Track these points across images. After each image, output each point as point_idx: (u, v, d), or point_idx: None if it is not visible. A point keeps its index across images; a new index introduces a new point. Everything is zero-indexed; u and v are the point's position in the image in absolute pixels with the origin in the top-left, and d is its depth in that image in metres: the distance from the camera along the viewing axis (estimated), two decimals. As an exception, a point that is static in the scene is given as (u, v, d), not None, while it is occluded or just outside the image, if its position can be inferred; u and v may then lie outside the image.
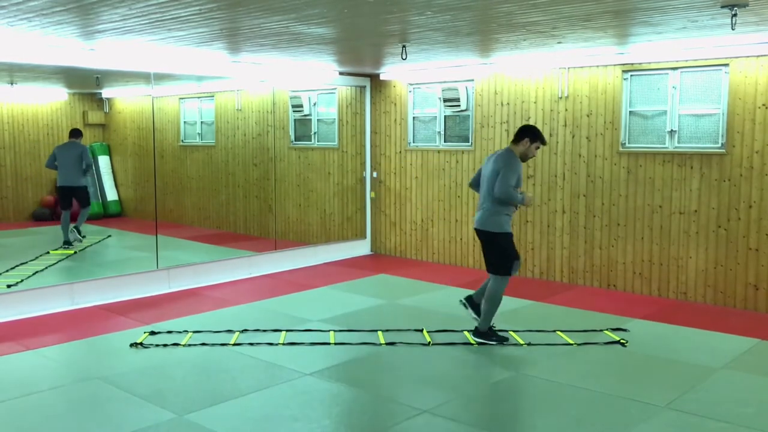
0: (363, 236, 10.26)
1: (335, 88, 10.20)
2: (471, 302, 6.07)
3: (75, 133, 9.74)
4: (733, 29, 5.35)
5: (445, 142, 9.30)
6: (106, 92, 12.80)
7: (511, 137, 8.43)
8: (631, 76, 7.58)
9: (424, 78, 9.27)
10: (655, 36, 6.15)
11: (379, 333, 6.13)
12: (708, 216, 7.16)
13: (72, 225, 9.83)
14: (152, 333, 6.12)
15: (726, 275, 7.10)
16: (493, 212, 5.73)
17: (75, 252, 9.55)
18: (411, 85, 9.56)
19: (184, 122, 12.28)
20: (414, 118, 9.62)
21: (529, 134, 5.76)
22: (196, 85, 11.41)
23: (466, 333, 6.12)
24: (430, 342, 5.87)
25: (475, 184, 6.06)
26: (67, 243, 9.71)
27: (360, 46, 7.10)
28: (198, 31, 5.89)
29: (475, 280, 8.36)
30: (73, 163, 9.45)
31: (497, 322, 6.08)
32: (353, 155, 10.24)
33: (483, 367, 5.32)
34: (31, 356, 5.57)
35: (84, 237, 10.13)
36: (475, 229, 5.90)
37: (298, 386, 4.89)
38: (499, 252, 5.76)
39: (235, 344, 5.82)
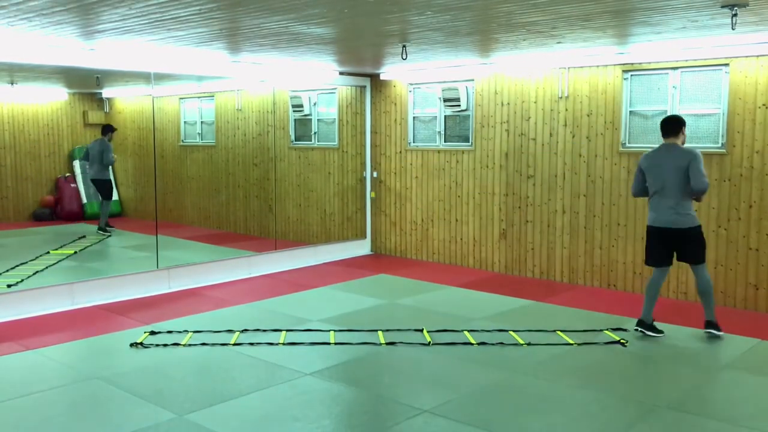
0: (363, 236, 10.26)
1: (335, 88, 10.20)
2: (644, 325, 6.07)
3: (102, 130, 10.85)
4: (733, 29, 5.35)
5: (445, 142, 9.30)
6: (106, 92, 12.80)
7: (511, 137, 8.50)
8: (631, 75, 7.58)
9: (424, 78, 9.27)
10: (654, 36, 6.15)
11: (380, 333, 6.13)
12: (708, 216, 7.16)
13: (97, 228, 10.97)
14: (152, 333, 6.13)
15: (726, 275, 7.10)
16: (689, 208, 5.85)
17: (75, 252, 9.56)
18: (411, 84, 9.56)
19: (185, 122, 12.28)
20: (414, 117, 9.62)
21: (683, 123, 5.92)
22: (196, 84, 11.42)
23: (466, 333, 6.12)
24: (430, 342, 5.87)
25: (641, 192, 6.14)
26: (102, 230, 10.90)
27: (360, 46, 7.11)
28: (198, 31, 5.89)
29: (475, 280, 8.37)
30: (97, 158, 10.62)
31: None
32: (353, 155, 10.24)
33: (483, 366, 5.32)
34: (31, 356, 5.57)
35: (110, 234, 10.92)
36: (672, 229, 5.85)
37: (299, 386, 4.89)
38: (702, 243, 5.94)
39: (235, 344, 5.82)
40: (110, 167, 10.93)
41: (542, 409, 4.53)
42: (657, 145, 7.41)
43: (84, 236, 10.74)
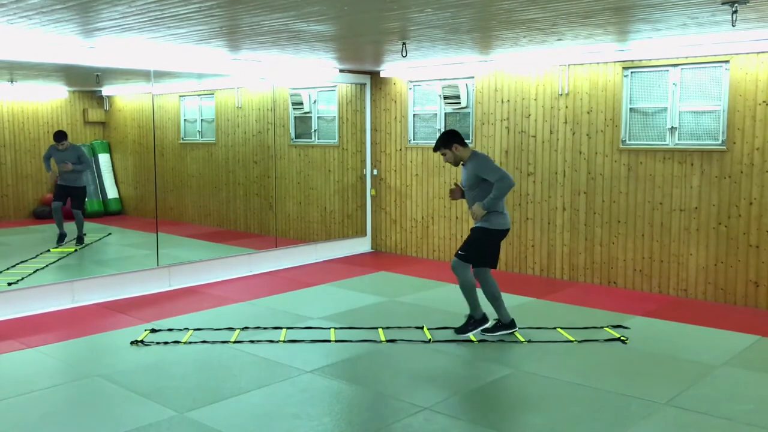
0: (363, 234, 10.26)
1: (335, 86, 10.20)
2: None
3: (61, 135, 9.72)
4: (733, 26, 5.35)
5: (445, 139, 9.29)
6: (106, 90, 12.79)
7: (512, 134, 8.50)
8: (632, 73, 7.58)
9: (425, 75, 9.27)
10: (655, 33, 6.15)
11: (380, 330, 6.14)
12: (708, 213, 7.16)
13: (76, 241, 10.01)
14: (153, 331, 6.13)
15: (726, 272, 7.10)
16: None
17: (76, 250, 9.55)
18: (411, 82, 9.55)
19: (185, 120, 12.28)
20: (414, 115, 9.61)
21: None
22: (196, 82, 11.41)
23: (466, 330, 6.13)
24: (430, 339, 5.88)
25: None
26: (82, 240, 9.97)
27: (360, 44, 7.10)
28: (197, 29, 5.89)
29: (475, 277, 8.37)
30: (76, 164, 9.71)
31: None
32: (353, 153, 10.24)
33: (483, 364, 5.32)
34: (31, 354, 5.58)
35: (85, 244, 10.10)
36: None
37: (299, 383, 4.89)
38: (474, 242, 5.97)
39: (235, 342, 5.82)
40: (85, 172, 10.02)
41: (543, 406, 4.53)
42: (657, 143, 7.44)
43: (84, 234, 10.73)
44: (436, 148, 5.93)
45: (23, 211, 12.03)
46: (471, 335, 5.97)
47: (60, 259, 8.94)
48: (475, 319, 6.02)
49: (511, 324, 6.02)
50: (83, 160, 9.77)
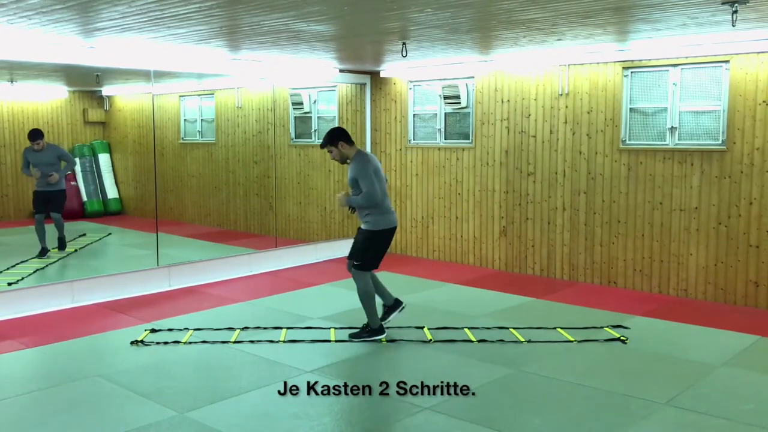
0: (363, 234, 10.25)
1: (335, 86, 10.20)
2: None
3: (36, 134, 8.77)
4: (733, 26, 5.35)
5: (445, 139, 9.30)
6: (106, 90, 12.80)
7: (512, 134, 8.50)
8: (632, 72, 7.58)
9: (425, 75, 9.27)
10: (655, 33, 6.15)
11: (380, 330, 6.14)
12: (708, 213, 7.16)
13: (58, 247, 9.33)
14: (153, 331, 6.13)
15: (726, 272, 7.10)
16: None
17: (75, 250, 9.55)
18: (411, 82, 9.55)
19: (185, 120, 12.29)
20: (414, 115, 9.61)
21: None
22: (196, 82, 11.42)
23: (466, 330, 6.12)
24: (431, 339, 5.87)
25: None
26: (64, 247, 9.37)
27: (360, 44, 7.10)
28: (197, 29, 5.89)
29: (475, 277, 8.37)
30: (57, 166, 8.93)
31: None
32: (353, 153, 10.22)
33: (483, 364, 5.32)
34: (31, 354, 5.58)
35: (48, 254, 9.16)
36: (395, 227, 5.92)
37: (299, 383, 4.89)
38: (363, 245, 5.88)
39: (235, 342, 5.82)
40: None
41: (542, 406, 4.53)
42: (657, 143, 7.44)
43: (84, 234, 10.75)
44: (322, 145, 5.93)
45: (23, 211, 12.03)
46: (470, 334, 5.97)
47: (60, 259, 8.94)
48: (371, 329, 5.90)
49: (380, 330, 5.90)
50: (67, 159, 8.95)
